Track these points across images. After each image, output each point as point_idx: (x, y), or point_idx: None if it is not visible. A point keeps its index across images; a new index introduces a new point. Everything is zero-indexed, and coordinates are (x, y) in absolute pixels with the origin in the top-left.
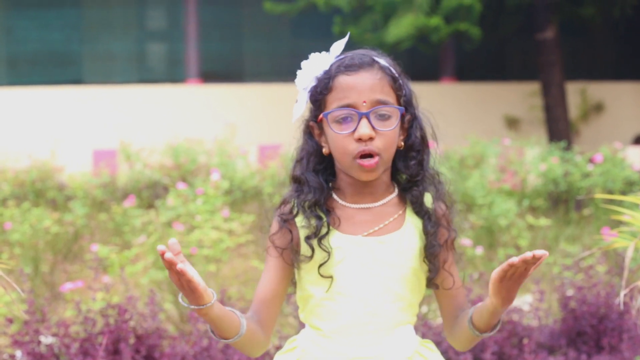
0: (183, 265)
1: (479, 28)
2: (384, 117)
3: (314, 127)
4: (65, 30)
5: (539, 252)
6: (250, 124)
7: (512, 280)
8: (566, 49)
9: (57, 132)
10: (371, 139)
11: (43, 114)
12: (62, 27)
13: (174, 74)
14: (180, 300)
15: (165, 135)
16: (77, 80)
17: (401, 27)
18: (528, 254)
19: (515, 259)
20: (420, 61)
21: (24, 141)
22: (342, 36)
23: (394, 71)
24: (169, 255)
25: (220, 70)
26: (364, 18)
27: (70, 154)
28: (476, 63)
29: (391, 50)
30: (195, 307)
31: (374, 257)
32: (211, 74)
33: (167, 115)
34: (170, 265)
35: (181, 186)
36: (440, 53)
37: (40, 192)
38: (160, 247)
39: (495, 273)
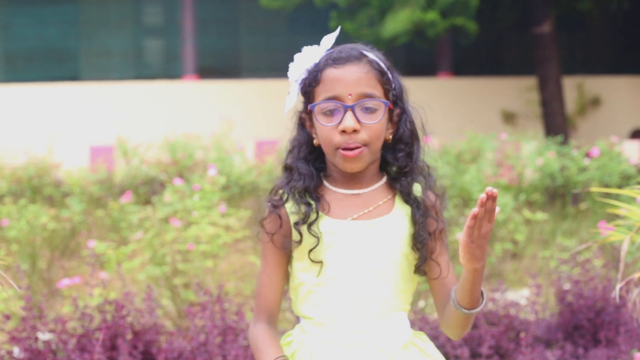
0: None
1: (475, 23)
2: (369, 110)
3: (305, 119)
4: (62, 26)
5: (489, 190)
6: (247, 120)
7: (481, 236)
8: (563, 44)
9: (54, 129)
10: (355, 131)
11: (40, 110)
12: (59, 23)
13: (170, 70)
14: None
15: (162, 131)
16: (74, 77)
17: (397, 22)
18: (481, 196)
19: (475, 210)
20: (417, 56)
21: (21, 138)
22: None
23: (382, 65)
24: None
25: (217, 66)
26: (361, 13)
27: (67, 150)
28: (473, 58)
29: (387, 46)
30: None
31: (364, 241)
32: (208, 70)
33: (164, 111)
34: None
35: (178, 182)
36: (437, 48)
37: (37, 188)
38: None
39: (463, 235)
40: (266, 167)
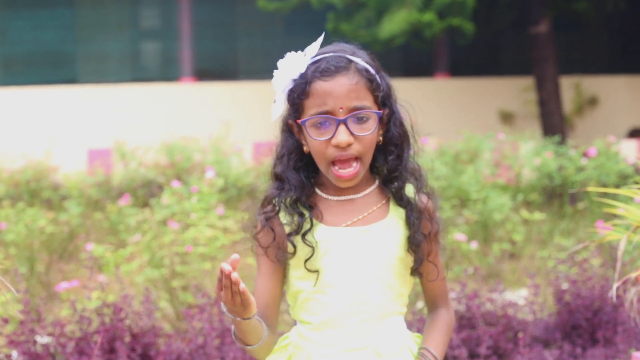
0: (243, 285)
1: (472, 23)
2: (361, 121)
3: (293, 125)
4: (60, 30)
5: None
6: (245, 122)
7: None
8: (560, 43)
9: (52, 132)
10: (349, 145)
11: (38, 113)
12: (56, 27)
13: (168, 73)
14: (225, 311)
15: (160, 133)
16: (71, 80)
17: (394, 23)
18: None
19: None
20: (414, 57)
21: (18, 141)
22: (335, 33)
23: (371, 71)
24: (235, 275)
25: (214, 68)
26: (358, 14)
27: (65, 154)
28: (470, 58)
29: (385, 47)
30: (241, 319)
31: (360, 247)
32: (205, 72)
33: (162, 113)
34: (232, 284)
35: (176, 184)
36: (434, 49)
37: (35, 191)
38: (226, 267)
39: None
40: (264, 168)
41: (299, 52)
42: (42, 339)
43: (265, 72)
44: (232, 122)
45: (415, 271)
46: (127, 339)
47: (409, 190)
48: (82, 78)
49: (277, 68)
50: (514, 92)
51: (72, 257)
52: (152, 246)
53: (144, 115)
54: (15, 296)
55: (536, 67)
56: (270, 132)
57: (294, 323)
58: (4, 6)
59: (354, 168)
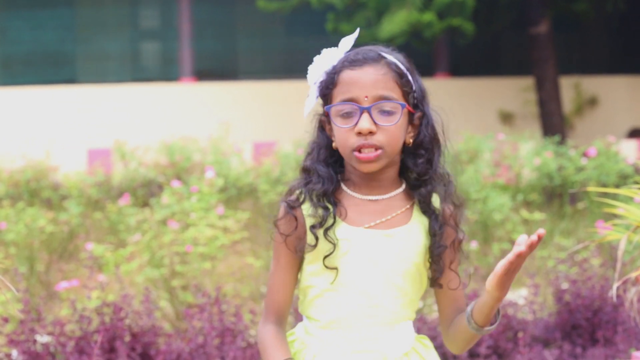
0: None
1: (472, 23)
2: (386, 113)
3: (325, 122)
4: (59, 30)
5: (541, 232)
6: (245, 122)
7: (515, 270)
8: (560, 44)
9: (52, 132)
10: (371, 133)
11: (37, 113)
12: (55, 27)
13: (168, 73)
14: None
15: (159, 133)
16: (71, 80)
17: (394, 24)
18: (532, 238)
19: (522, 248)
20: (414, 57)
21: (18, 141)
22: (335, 33)
23: (402, 67)
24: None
25: (214, 68)
26: (357, 15)
27: (65, 154)
28: (470, 58)
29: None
30: None
31: (379, 250)
32: (205, 72)
33: (162, 113)
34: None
35: (176, 184)
36: (434, 49)
37: (35, 191)
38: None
39: (501, 268)
40: (264, 168)
41: (334, 48)
42: (42, 338)
43: (265, 72)
44: (231, 122)
45: (435, 281)
46: (127, 338)
47: (435, 198)
48: (82, 78)
49: (276, 68)
50: (514, 92)
51: (72, 256)
52: (152, 246)
53: (143, 115)
54: (15, 295)
55: (536, 67)
56: (270, 132)
57: (298, 317)
58: (4, 6)
59: (373, 152)
